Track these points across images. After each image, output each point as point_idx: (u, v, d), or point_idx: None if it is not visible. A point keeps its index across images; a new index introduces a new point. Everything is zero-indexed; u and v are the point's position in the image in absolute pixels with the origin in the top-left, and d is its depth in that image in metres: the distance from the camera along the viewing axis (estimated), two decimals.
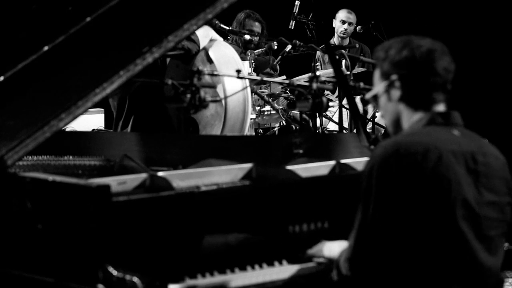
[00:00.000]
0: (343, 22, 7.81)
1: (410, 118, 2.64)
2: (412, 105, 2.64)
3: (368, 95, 2.74)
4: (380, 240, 2.53)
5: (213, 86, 3.55)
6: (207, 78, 3.33)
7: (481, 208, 2.55)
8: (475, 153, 2.59)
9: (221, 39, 5.19)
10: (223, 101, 4.69)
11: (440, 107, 2.66)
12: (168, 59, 5.10)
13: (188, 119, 5.00)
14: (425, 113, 2.63)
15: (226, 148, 3.75)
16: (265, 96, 5.75)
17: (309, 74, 5.40)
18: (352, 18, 7.83)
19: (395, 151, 2.49)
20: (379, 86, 2.69)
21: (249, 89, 4.92)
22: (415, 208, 2.48)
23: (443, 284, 2.51)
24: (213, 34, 5.10)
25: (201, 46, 4.99)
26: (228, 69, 4.82)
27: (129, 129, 5.02)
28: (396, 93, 2.65)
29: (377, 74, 2.71)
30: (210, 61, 4.97)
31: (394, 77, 2.64)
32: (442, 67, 2.62)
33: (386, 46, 2.69)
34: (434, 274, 2.51)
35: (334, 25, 7.87)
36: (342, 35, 7.79)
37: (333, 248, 2.84)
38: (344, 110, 5.98)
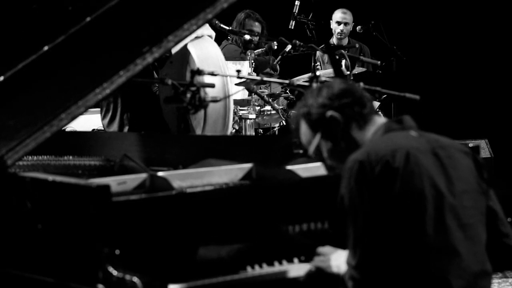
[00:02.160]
0: (339, 23, 7.77)
1: (362, 139, 2.74)
2: (356, 127, 2.74)
3: (311, 150, 2.81)
4: (378, 247, 2.58)
5: (212, 86, 3.55)
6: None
7: (456, 197, 2.64)
8: (434, 148, 2.70)
9: (214, 33, 5.15)
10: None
11: (383, 119, 2.79)
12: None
13: (182, 117, 4.98)
14: (374, 127, 2.74)
15: (226, 148, 3.76)
16: (265, 96, 5.75)
17: (309, 74, 5.40)
18: (348, 17, 7.78)
19: (367, 160, 2.60)
20: (315, 136, 2.77)
21: (230, 85, 4.87)
22: (397, 208, 2.56)
23: (428, 275, 2.58)
24: (205, 31, 5.05)
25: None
26: (209, 66, 4.77)
27: (115, 126, 5.01)
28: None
29: (306, 132, 2.78)
30: (190, 57, 4.91)
31: (329, 112, 2.73)
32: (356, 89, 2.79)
33: (302, 103, 2.80)
34: (420, 265, 2.58)
35: (331, 26, 7.85)
36: (339, 36, 7.76)
37: (341, 265, 2.81)
38: None
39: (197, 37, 5.00)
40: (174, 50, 4.87)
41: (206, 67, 4.69)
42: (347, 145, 2.74)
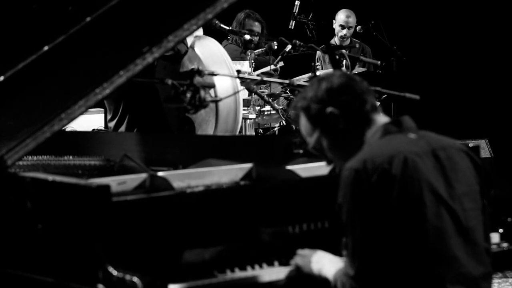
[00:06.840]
0: (342, 27, 7.75)
1: (362, 137, 2.70)
2: (356, 124, 2.70)
3: (310, 145, 2.79)
4: (376, 256, 2.55)
5: (212, 86, 3.54)
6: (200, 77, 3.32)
7: (456, 201, 2.61)
8: (435, 149, 2.65)
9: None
10: (213, 95, 4.66)
11: (383, 118, 2.74)
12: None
13: (183, 117, 4.99)
14: (374, 126, 2.69)
15: (226, 148, 3.76)
16: (265, 96, 5.75)
17: (309, 74, 5.40)
18: (351, 21, 7.75)
19: (363, 168, 2.55)
20: (315, 131, 2.74)
21: (238, 80, 4.89)
22: (395, 214, 2.53)
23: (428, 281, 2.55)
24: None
25: (188, 44, 4.97)
26: (215, 63, 4.79)
27: (123, 129, 5.02)
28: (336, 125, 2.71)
29: (306, 125, 2.76)
30: (197, 57, 4.93)
31: (329, 109, 2.69)
32: (359, 84, 2.74)
33: (301, 96, 2.76)
34: (420, 273, 2.54)
35: (334, 27, 7.83)
36: (341, 39, 7.76)
37: (324, 267, 2.79)
38: None
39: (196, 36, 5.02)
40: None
41: (211, 64, 4.71)
42: (346, 141, 2.71)
